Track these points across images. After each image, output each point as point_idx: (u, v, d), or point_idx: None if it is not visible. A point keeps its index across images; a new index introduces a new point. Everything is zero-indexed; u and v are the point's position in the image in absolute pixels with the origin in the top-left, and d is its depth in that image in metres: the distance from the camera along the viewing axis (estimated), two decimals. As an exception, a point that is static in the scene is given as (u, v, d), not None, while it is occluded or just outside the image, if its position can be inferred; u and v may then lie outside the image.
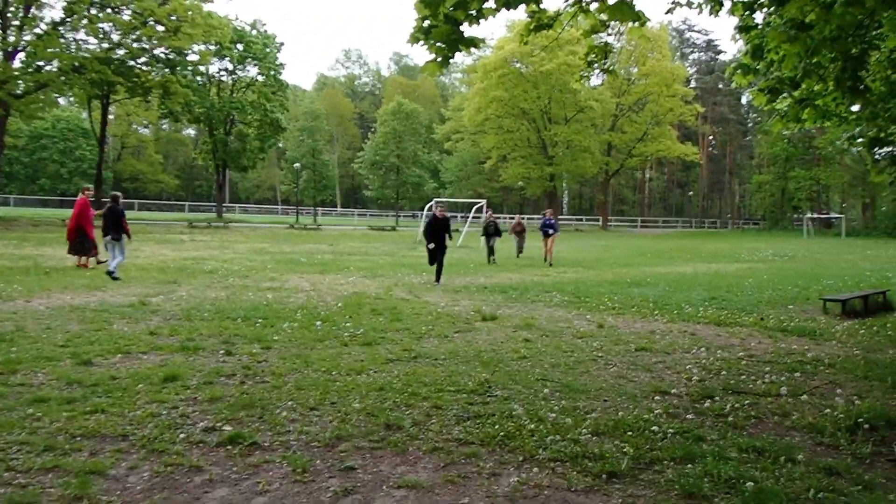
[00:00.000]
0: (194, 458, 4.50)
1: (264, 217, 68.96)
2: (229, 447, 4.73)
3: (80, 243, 16.44)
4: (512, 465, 4.65)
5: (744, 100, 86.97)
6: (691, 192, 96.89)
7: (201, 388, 6.12)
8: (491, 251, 22.38)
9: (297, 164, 65.35)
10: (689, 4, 7.43)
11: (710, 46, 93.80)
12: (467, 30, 5.95)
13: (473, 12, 5.71)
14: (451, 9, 5.64)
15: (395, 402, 5.95)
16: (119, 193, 15.93)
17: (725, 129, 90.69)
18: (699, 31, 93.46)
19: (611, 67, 8.05)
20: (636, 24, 7.56)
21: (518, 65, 62.71)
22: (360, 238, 37.51)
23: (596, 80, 76.69)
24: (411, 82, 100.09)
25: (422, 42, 5.89)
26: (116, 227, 14.75)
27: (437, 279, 15.77)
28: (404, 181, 73.47)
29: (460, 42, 5.77)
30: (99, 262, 16.41)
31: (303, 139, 77.42)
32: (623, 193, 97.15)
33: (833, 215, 67.57)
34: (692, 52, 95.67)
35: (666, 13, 8.26)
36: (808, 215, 61.27)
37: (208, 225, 42.82)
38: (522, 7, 6.27)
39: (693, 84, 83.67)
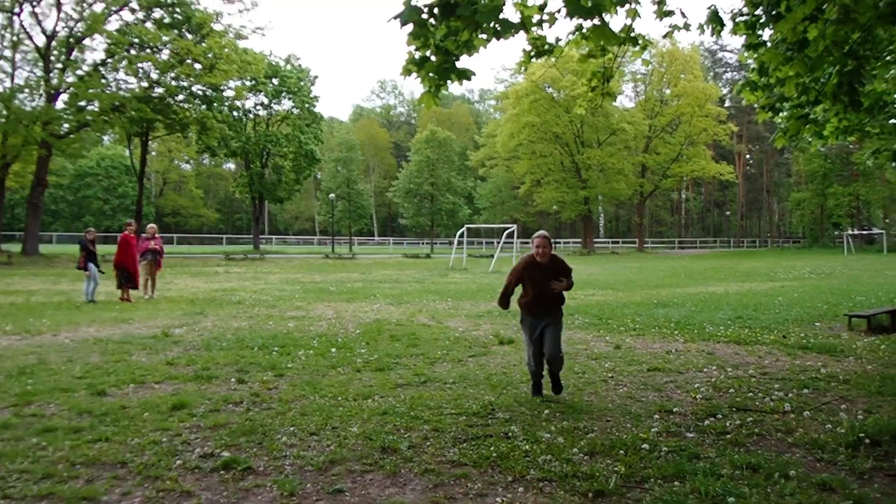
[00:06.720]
0: (187, 484, 4.60)
1: (301, 248, 69.73)
2: (222, 472, 4.82)
3: (122, 277, 16.69)
4: (501, 485, 4.67)
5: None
6: (729, 212, 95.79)
7: (207, 416, 6.23)
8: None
9: (331, 195, 66.19)
10: (687, 27, 7.45)
11: (743, 65, 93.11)
12: (463, 61, 6.08)
13: (463, 42, 5.82)
14: (441, 40, 5.77)
15: (396, 425, 5.99)
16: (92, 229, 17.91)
17: (762, 147, 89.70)
18: (731, 51, 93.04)
19: (611, 91, 8.10)
20: (637, 48, 7.67)
21: (549, 90, 62.95)
22: (393, 266, 37.71)
23: (629, 102, 76.77)
24: (445, 110, 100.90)
25: (414, 74, 6.03)
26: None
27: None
28: (439, 208, 74.01)
29: (451, 72, 5.87)
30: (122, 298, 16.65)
31: (338, 170, 78.51)
32: (660, 215, 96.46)
33: (875, 231, 66.17)
34: (725, 71, 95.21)
35: (664, 37, 8.30)
36: (849, 232, 60.12)
37: (244, 257, 43.49)
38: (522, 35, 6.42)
39: (728, 103, 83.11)
